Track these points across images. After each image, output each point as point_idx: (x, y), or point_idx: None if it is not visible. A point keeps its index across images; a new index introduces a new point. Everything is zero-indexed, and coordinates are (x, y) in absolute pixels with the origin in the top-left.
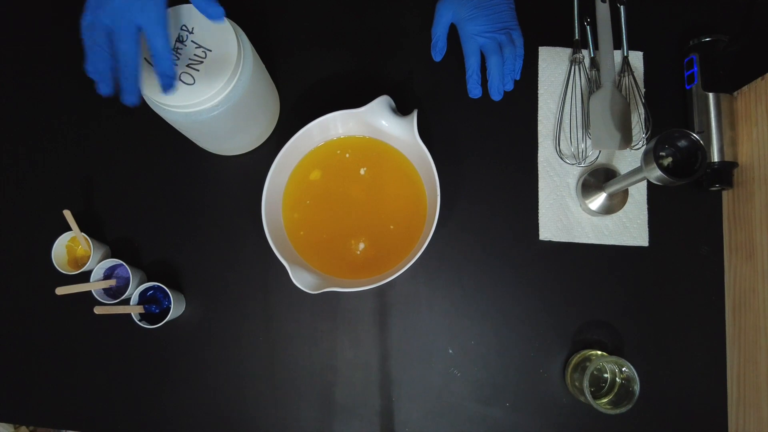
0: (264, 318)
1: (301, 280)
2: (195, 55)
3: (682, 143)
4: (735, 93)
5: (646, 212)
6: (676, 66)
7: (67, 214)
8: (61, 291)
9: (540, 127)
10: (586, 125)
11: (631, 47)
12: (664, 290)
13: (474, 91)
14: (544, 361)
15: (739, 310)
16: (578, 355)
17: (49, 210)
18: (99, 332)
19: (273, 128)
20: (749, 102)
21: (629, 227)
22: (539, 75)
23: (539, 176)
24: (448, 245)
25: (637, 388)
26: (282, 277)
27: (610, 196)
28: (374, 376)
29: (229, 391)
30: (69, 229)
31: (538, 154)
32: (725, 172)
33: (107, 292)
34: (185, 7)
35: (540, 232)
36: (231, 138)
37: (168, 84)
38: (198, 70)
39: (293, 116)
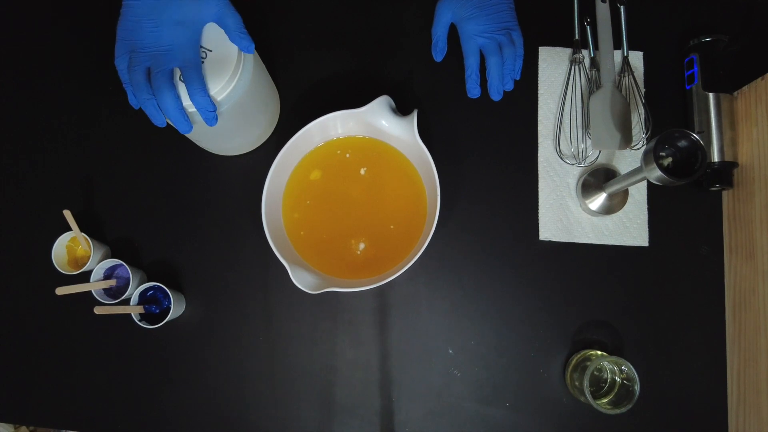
0: (264, 318)
1: (301, 280)
2: None
3: (682, 143)
4: (735, 93)
5: (646, 212)
6: (676, 66)
7: (67, 214)
8: (61, 291)
9: (540, 127)
10: (586, 125)
11: (631, 47)
12: (664, 290)
13: (473, 90)
14: (544, 361)
15: (739, 310)
16: (578, 355)
17: (49, 210)
18: (99, 332)
19: (273, 128)
20: (749, 102)
21: (629, 227)
22: (539, 75)
23: (539, 176)
24: (448, 245)
25: (637, 388)
26: (282, 277)
27: (610, 196)
28: (374, 376)
29: (229, 391)
30: (69, 229)
31: (538, 154)
32: (725, 172)
33: (107, 292)
34: None
35: (540, 232)
36: (231, 138)
37: (211, 117)
38: None
39: (293, 116)
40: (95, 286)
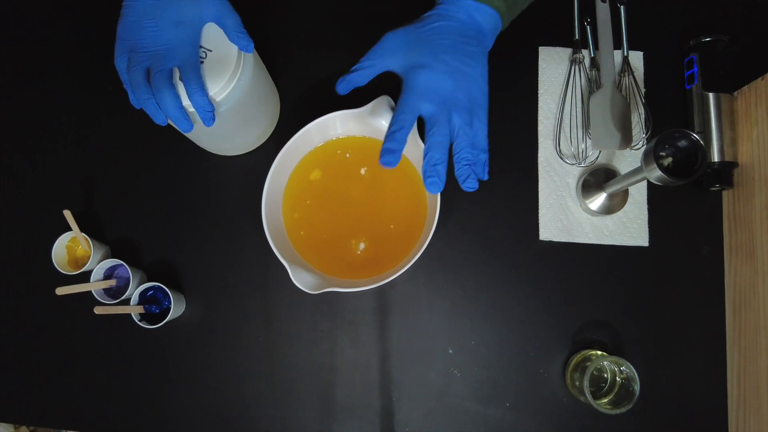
0: (264, 318)
1: (301, 280)
2: None
3: (682, 143)
4: (735, 93)
5: (646, 212)
6: (676, 66)
7: (67, 214)
8: (61, 291)
9: (540, 127)
10: (586, 125)
11: (631, 47)
12: (664, 290)
13: (386, 156)
14: (544, 361)
15: (739, 310)
16: (578, 355)
17: (49, 210)
18: (99, 332)
19: (273, 128)
20: (749, 102)
21: (629, 227)
22: (539, 75)
23: (539, 176)
24: (448, 245)
25: (637, 388)
26: (282, 277)
27: (610, 196)
28: (374, 376)
29: (229, 391)
30: (69, 229)
31: (538, 154)
32: (725, 172)
33: (107, 292)
34: None
35: (540, 232)
36: (231, 138)
37: (209, 117)
38: None
39: (293, 116)
40: (95, 286)
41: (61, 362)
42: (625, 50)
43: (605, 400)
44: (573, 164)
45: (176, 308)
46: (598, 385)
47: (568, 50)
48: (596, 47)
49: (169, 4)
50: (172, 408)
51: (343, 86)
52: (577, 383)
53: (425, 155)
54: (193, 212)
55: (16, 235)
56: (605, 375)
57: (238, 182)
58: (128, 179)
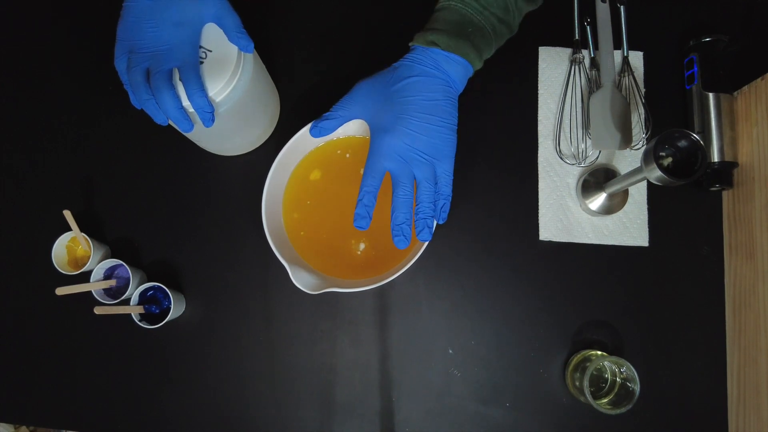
0: (264, 318)
1: (301, 280)
2: None
3: (682, 143)
4: (735, 93)
5: (646, 212)
6: (676, 66)
7: (67, 214)
8: (61, 291)
9: (540, 127)
10: (586, 125)
11: (631, 47)
12: (664, 290)
13: (358, 221)
14: (544, 361)
15: (739, 310)
16: (578, 355)
17: (49, 210)
18: (99, 332)
19: (273, 128)
20: (749, 102)
21: (629, 227)
22: (539, 75)
23: (539, 176)
24: (448, 245)
25: (637, 388)
26: (282, 277)
27: (610, 196)
28: (374, 376)
29: (229, 391)
30: (69, 229)
31: (538, 154)
32: (725, 172)
33: (107, 292)
34: None
35: (540, 233)
36: (231, 138)
37: (208, 118)
38: None
39: (293, 116)
40: (95, 286)
41: (61, 362)
42: (625, 50)
43: (605, 400)
44: (573, 164)
45: (176, 308)
46: (598, 385)
47: (568, 50)
48: (596, 47)
49: (168, 5)
50: (172, 408)
51: (316, 132)
52: (577, 383)
53: (392, 214)
54: (193, 212)
55: (16, 235)
56: (605, 375)
57: (238, 182)
58: (128, 179)
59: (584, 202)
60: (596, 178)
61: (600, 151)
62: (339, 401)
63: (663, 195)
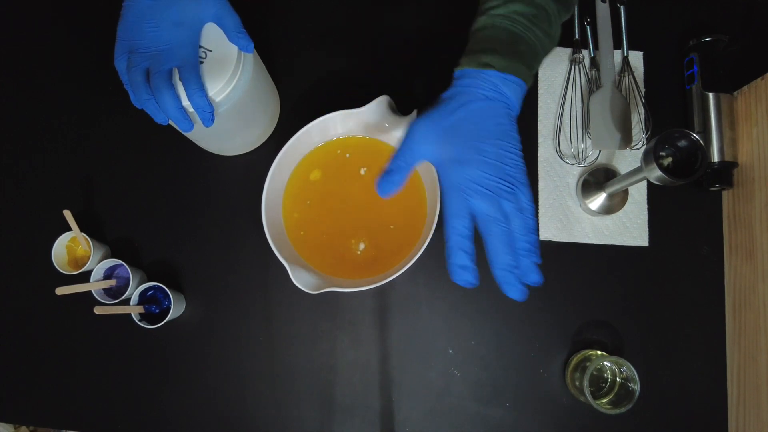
0: (264, 318)
1: (301, 280)
2: None
3: (682, 143)
4: (735, 93)
5: (646, 212)
6: (676, 66)
7: (67, 214)
8: (61, 291)
9: (540, 127)
10: (586, 125)
11: (631, 47)
12: (664, 290)
13: (461, 274)
14: (544, 361)
15: (739, 310)
16: (578, 355)
17: (49, 210)
18: (99, 332)
19: (273, 128)
20: (749, 102)
21: (629, 227)
22: (539, 75)
23: (539, 176)
24: None
25: (637, 388)
26: (282, 277)
27: (610, 196)
28: (374, 376)
29: (229, 391)
30: (69, 229)
31: (538, 154)
32: (725, 172)
33: (107, 292)
34: None
35: (540, 232)
36: (231, 138)
37: (208, 118)
38: None
39: (293, 116)
40: (95, 286)
41: (61, 362)
42: (625, 50)
43: (605, 400)
44: (573, 164)
45: (176, 308)
46: (598, 385)
47: (568, 50)
48: (596, 47)
49: (168, 5)
50: (172, 408)
51: (384, 191)
52: (577, 383)
53: (493, 257)
54: (193, 212)
55: (16, 235)
56: (605, 375)
57: (238, 182)
58: (128, 179)
59: (584, 202)
60: (596, 178)
61: (600, 151)
62: (339, 401)
63: (663, 195)
